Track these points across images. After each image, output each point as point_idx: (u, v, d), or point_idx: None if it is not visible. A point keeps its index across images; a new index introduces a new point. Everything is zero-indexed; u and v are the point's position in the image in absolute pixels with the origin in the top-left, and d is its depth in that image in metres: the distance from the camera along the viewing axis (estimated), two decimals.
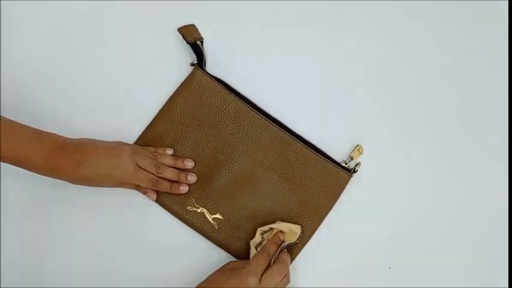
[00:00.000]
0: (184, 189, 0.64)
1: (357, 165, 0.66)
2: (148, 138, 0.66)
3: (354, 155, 0.66)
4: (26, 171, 0.58)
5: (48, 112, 0.67)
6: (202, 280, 0.59)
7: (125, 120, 0.67)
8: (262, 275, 0.59)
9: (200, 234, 0.65)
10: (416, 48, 0.71)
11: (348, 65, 0.70)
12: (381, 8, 0.71)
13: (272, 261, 0.61)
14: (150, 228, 0.66)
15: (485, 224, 0.68)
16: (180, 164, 0.65)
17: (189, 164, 0.65)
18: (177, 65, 0.68)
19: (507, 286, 0.66)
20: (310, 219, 0.65)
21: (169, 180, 0.64)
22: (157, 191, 0.65)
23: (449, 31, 0.71)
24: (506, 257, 0.67)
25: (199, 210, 0.65)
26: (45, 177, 0.58)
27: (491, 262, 0.67)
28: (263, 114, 0.66)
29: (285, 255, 0.62)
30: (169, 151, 0.66)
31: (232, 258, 0.65)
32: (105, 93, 0.68)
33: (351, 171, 0.66)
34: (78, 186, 0.59)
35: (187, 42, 0.66)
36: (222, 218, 0.65)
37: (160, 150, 0.65)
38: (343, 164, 0.66)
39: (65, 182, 0.59)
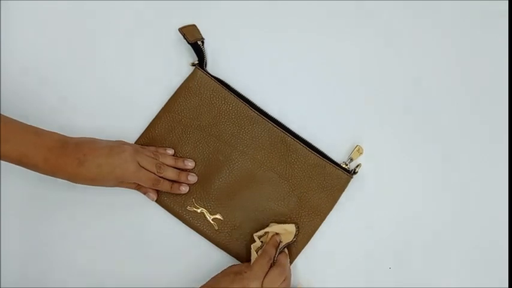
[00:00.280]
0: (184, 189, 0.64)
1: (357, 166, 0.66)
2: (149, 138, 0.66)
3: (353, 156, 0.66)
4: (26, 170, 0.58)
5: (48, 112, 0.67)
6: (202, 280, 0.59)
7: (125, 120, 0.67)
8: (263, 278, 0.59)
9: (200, 235, 0.65)
10: (416, 49, 0.71)
11: (348, 66, 0.70)
12: (381, 8, 0.71)
13: (272, 264, 0.61)
14: (150, 229, 0.66)
15: (485, 224, 0.68)
16: (180, 164, 0.65)
17: (190, 164, 0.65)
18: (178, 65, 0.68)
19: (507, 286, 0.66)
20: (311, 220, 0.65)
21: (169, 180, 0.64)
22: (157, 191, 0.65)
23: (449, 31, 0.71)
24: (506, 257, 0.67)
25: (199, 211, 0.65)
26: (45, 176, 0.58)
27: (491, 262, 0.67)
28: (263, 115, 0.66)
29: (284, 258, 0.63)
30: (170, 151, 0.66)
31: (232, 259, 0.65)
32: (105, 93, 0.68)
33: (351, 173, 0.66)
34: (78, 186, 0.59)
35: (188, 42, 0.66)
36: (222, 218, 0.65)
37: (160, 150, 0.65)
38: (343, 165, 0.66)
39: (65, 181, 0.59)
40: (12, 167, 0.57)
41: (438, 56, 0.71)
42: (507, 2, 0.72)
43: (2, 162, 0.57)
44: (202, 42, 0.67)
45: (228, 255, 0.65)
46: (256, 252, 0.62)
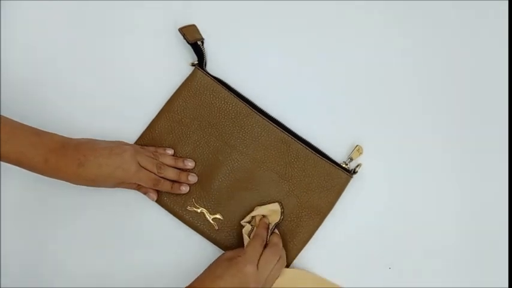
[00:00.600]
0: (184, 189, 0.64)
1: (357, 166, 0.66)
2: (149, 138, 0.66)
3: (353, 156, 0.66)
4: (26, 171, 0.58)
5: (48, 112, 0.67)
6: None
7: (125, 120, 0.67)
8: (258, 261, 0.59)
9: (200, 235, 0.65)
10: (416, 49, 0.71)
11: (347, 65, 0.70)
12: (381, 8, 0.71)
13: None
14: (150, 229, 0.66)
15: (485, 224, 0.68)
16: (180, 164, 0.65)
17: (190, 164, 0.65)
18: (178, 65, 0.68)
19: (507, 286, 0.66)
20: (310, 220, 0.65)
21: (170, 180, 0.64)
22: (157, 191, 0.65)
23: (449, 31, 0.71)
24: (506, 257, 0.67)
25: (199, 211, 0.65)
26: (45, 177, 0.58)
27: (491, 262, 0.67)
28: (263, 115, 0.66)
29: (276, 238, 0.63)
30: (170, 151, 0.66)
31: None
32: (105, 93, 0.68)
33: (351, 172, 0.66)
34: (78, 186, 0.59)
35: (188, 43, 0.66)
36: (222, 218, 0.65)
37: (160, 150, 0.65)
38: (343, 165, 0.66)
39: (65, 182, 0.59)
40: (12, 168, 0.58)
41: (438, 56, 0.71)
42: (507, 2, 0.72)
43: (2, 162, 0.57)
44: (202, 42, 0.67)
45: None
46: (249, 236, 0.62)
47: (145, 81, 0.68)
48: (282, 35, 0.70)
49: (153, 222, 0.66)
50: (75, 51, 0.69)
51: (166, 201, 0.65)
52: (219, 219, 0.65)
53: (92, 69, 0.68)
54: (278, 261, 0.61)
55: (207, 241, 0.65)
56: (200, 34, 0.67)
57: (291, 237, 0.65)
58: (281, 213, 0.64)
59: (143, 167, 0.61)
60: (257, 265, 0.58)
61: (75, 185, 0.59)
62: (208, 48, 0.68)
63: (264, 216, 0.64)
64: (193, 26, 0.68)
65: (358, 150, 0.66)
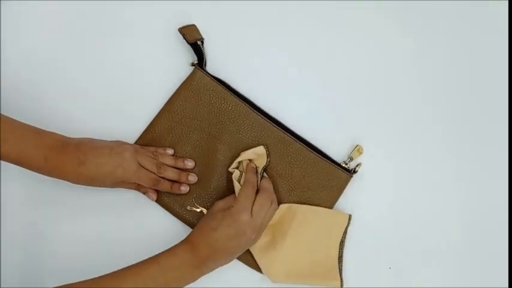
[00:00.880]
0: (184, 189, 0.64)
1: (357, 165, 0.66)
2: (149, 138, 0.66)
3: (353, 156, 0.66)
4: (26, 171, 0.58)
5: (48, 112, 0.67)
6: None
7: (125, 120, 0.67)
8: (252, 208, 0.59)
9: None
10: (416, 49, 0.71)
11: (347, 65, 0.70)
12: (381, 8, 0.71)
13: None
14: (150, 228, 0.66)
15: (485, 224, 0.68)
16: (180, 164, 0.65)
17: (190, 164, 0.65)
18: (178, 65, 0.68)
19: (507, 286, 0.66)
20: None
21: (169, 180, 0.64)
22: (157, 191, 0.65)
23: (449, 31, 0.71)
24: (506, 257, 0.67)
25: (198, 210, 0.65)
26: (45, 177, 0.58)
27: (491, 262, 0.67)
28: (263, 115, 0.66)
29: (267, 182, 0.63)
30: (170, 151, 0.66)
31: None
32: (105, 93, 0.68)
33: (351, 172, 0.66)
34: (78, 186, 0.59)
35: (188, 42, 0.66)
36: None
37: (160, 150, 0.65)
38: (343, 165, 0.66)
39: (65, 182, 0.59)
40: (12, 167, 0.58)
41: (438, 56, 0.71)
42: (507, 2, 0.72)
43: (2, 162, 0.57)
44: (202, 42, 0.67)
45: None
46: (238, 182, 0.62)
47: (145, 81, 0.68)
48: (281, 34, 0.70)
49: (153, 222, 0.66)
50: (75, 51, 0.69)
51: (166, 201, 0.65)
52: None
53: (92, 69, 0.68)
54: (271, 205, 0.61)
55: None
56: (200, 34, 0.67)
57: None
58: (267, 156, 0.64)
59: (143, 167, 0.61)
60: (251, 212, 0.58)
61: (75, 185, 0.59)
62: (208, 48, 0.68)
63: (250, 160, 0.64)
64: (193, 26, 0.68)
65: (358, 150, 0.66)
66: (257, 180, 0.62)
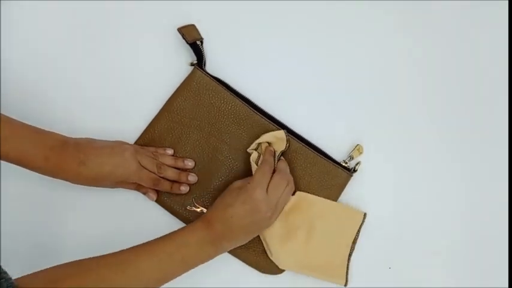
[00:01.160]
0: (184, 189, 0.65)
1: (357, 164, 0.66)
2: (148, 138, 0.66)
3: (353, 155, 0.66)
4: (26, 170, 0.58)
5: (49, 111, 0.67)
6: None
7: (125, 120, 0.67)
8: (268, 186, 0.59)
9: None
10: (416, 48, 0.71)
11: (347, 65, 0.70)
12: (381, 8, 0.71)
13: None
14: (150, 228, 0.65)
15: (485, 224, 0.68)
16: (180, 164, 0.65)
17: (189, 164, 0.65)
18: (177, 65, 0.68)
19: (507, 286, 0.66)
20: None
21: (169, 180, 0.64)
22: (157, 191, 0.65)
23: (450, 31, 0.71)
24: (506, 257, 0.67)
25: (199, 210, 0.65)
26: (45, 177, 0.58)
27: (491, 262, 0.67)
28: (263, 114, 0.66)
29: (283, 164, 0.63)
30: (170, 151, 0.66)
31: (232, 258, 0.65)
32: (105, 93, 0.68)
33: (351, 171, 0.66)
34: (78, 186, 0.59)
35: (187, 42, 0.66)
36: None
37: (160, 151, 0.65)
38: (343, 164, 0.66)
39: (65, 182, 0.59)
40: (12, 167, 0.58)
41: (438, 55, 0.71)
42: (507, 2, 0.72)
43: (2, 162, 0.57)
44: (201, 42, 0.67)
45: (228, 253, 0.65)
46: (256, 164, 0.62)
47: (145, 81, 0.68)
48: (281, 34, 0.70)
49: (153, 222, 0.66)
50: (75, 51, 0.69)
51: (166, 201, 0.65)
52: None
53: (92, 69, 0.68)
54: (287, 186, 0.61)
55: None
56: (199, 34, 0.67)
57: None
58: (287, 141, 0.64)
59: (143, 167, 0.61)
60: (267, 190, 0.59)
61: (75, 185, 0.59)
62: (208, 48, 0.68)
63: (269, 143, 0.64)
64: (193, 26, 0.68)
65: (358, 149, 0.66)
66: (274, 162, 0.62)
